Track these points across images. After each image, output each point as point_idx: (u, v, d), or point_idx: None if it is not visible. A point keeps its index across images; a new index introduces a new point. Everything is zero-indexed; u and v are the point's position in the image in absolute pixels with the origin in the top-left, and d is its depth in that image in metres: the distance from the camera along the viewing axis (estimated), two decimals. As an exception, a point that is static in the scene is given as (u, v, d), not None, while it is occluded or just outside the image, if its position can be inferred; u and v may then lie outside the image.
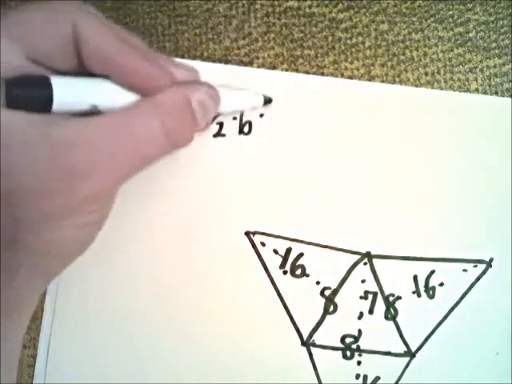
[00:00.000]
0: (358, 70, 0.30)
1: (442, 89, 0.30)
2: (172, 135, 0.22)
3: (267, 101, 0.28)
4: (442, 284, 0.29)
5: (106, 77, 0.21)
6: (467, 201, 0.29)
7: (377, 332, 0.29)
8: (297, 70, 0.30)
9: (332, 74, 0.30)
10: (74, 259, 0.23)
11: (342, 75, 0.30)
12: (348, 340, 0.29)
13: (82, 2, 0.21)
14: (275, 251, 0.29)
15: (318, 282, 0.29)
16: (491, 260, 0.29)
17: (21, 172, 0.19)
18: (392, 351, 0.29)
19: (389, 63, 0.30)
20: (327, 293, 0.29)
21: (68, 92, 0.20)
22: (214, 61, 0.30)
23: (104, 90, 0.21)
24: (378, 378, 0.29)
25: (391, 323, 0.29)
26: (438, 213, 0.29)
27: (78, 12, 0.20)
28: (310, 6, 0.30)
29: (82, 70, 0.21)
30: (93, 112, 0.21)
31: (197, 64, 0.29)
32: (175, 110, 0.22)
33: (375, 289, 0.29)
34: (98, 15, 0.21)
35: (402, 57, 0.30)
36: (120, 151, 0.20)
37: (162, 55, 0.23)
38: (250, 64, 0.30)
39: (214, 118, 0.28)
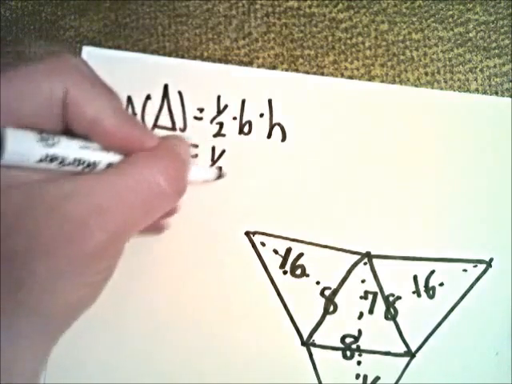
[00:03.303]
0: (358, 70, 0.30)
1: (442, 89, 0.30)
2: (172, 181, 0.21)
3: (219, 176, 0.28)
4: (441, 284, 0.29)
5: (85, 137, 0.21)
6: (467, 201, 0.29)
7: (377, 332, 0.29)
8: (297, 70, 0.30)
9: (332, 74, 0.30)
10: (80, 316, 0.21)
11: (342, 75, 0.30)
12: (348, 340, 0.29)
13: (77, 60, 0.21)
14: (275, 251, 0.29)
15: (318, 282, 0.29)
16: (491, 260, 0.29)
17: (21, 233, 0.18)
18: (392, 351, 0.29)
19: (389, 63, 0.30)
20: (327, 293, 0.29)
21: (22, 142, 0.19)
22: (214, 61, 0.30)
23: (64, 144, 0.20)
24: (377, 378, 0.29)
25: (391, 323, 0.29)
26: (438, 213, 0.29)
27: (71, 72, 0.20)
28: (309, 6, 0.30)
29: (65, 131, 0.21)
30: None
31: (197, 64, 0.29)
32: (171, 157, 0.21)
33: (375, 289, 0.29)
34: (88, 74, 0.21)
35: (402, 57, 0.30)
36: (120, 203, 0.19)
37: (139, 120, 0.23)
38: (250, 64, 0.30)
39: None
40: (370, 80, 0.30)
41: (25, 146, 0.19)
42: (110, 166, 0.21)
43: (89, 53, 0.29)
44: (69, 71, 0.20)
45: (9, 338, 0.19)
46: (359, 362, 0.29)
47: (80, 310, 0.21)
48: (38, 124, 0.20)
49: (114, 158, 0.21)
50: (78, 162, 0.20)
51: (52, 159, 0.19)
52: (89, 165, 0.20)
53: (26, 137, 0.19)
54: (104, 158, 0.21)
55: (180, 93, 0.29)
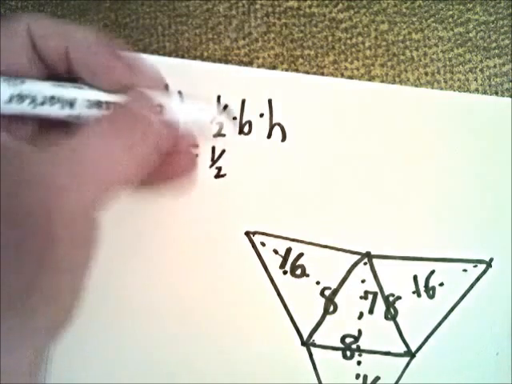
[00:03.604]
0: (357, 70, 0.30)
1: (442, 89, 0.30)
2: (133, 149, 0.20)
3: (224, 107, 0.27)
4: (441, 284, 0.29)
5: (74, 80, 0.21)
6: (467, 201, 0.29)
7: (377, 332, 0.29)
8: (297, 70, 0.30)
9: (332, 74, 0.30)
10: (80, 299, 0.20)
11: (342, 75, 0.30)
12: (348, 340, 0.29)
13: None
14: (275, 251, 0.29)
15: (318, 282, 0.29)
16: (491, 260, 0.29)
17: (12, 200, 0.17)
18: (392, 351, 0.29)
19: (389, 63, 0.30)
20: (327, 293, 0.29)
21: (20, 87, 0.19)
22: (214, 61, 0.30)
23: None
24: (377, 378, 0.29)
25: (391, 323, 0.29)
26: (437, 213, 0.29)
27: (33, 16, 0.20)
28: (309, 6, 0.30)
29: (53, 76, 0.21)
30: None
31: (197, 64, 0.29)
32: (128, 126, 0.20)
33: (375, 289, 0.29)
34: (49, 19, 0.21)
35: (402, 57, 0.30)
36: (86, 170, 0.18)
37: (129, 54, 0.22)
38: (250, 64, 0.30)
39: None
40: (370, 80, 0.30)
41: (25, 89, 0.19)
42: (100, 105, 0.20)
43: (89, 53, 0.29)
44: (29, 15, 0.20)
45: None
46: (359, 362, 0.29)
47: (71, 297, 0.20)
48: (17, 72, 0.20)
49: (98, 95, 0.20)
50: (52, 99, 0.20)
51: (22, 97, 0.19)
52: (71, 104, 0.20)
53: (24, 80, 0.19)
54: (84, 94, 0.20)
55: (180, 93, 0.29)
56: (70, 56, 0.20)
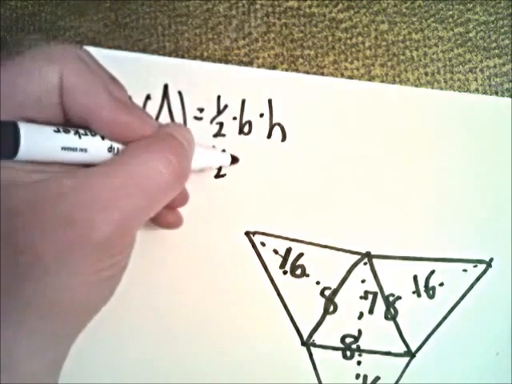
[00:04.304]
0: (357, 70, 0.30)
1: (442, 89, 0.30)
2: (172, 167, 0.21)
3: (234, 160, 0.28)
4: (441, 284, 0.29)
5: (86, 127, 0.21)
6: (467, 201, 0.29)
7: (377, 332, 0.29)
8: (297, 70, 0.30)
9: (332, 74, 0.30)
10: (93, 315, 0.21)
11: (342, 75, 0.30)
12: (348, 340, 0.29)
13: (77, 47, 0.21)
14: (275, 251, 0.29)
15: (318, 282, 0.29)
16: (491, 260, 0.29)
17: (26, 230, 0.18)
18: (392, 351, 0.29)
19: (389, 63, 0.30)
20: (327, 293, 0.29)
21: (37, 137, 0.19)
22: (214, 61, 0.30)
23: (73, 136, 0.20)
24: (377, 378, 0.29)
25: (391, 323, 0.29)
26: (437, 213, 0.29)
27: (69, 60, 0.20)
28: (309, 6, 0.30)
29: (64, 122, 0.21)
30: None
31: (197, 64, 0.29)
32: (169, 143, 0.21)
33: (375, 289, 0.29)
34: (86, 61, 0.21)
35: (402, 57, 0.30)
36: (122, 195, 0.19)
37: (139, 107, 0.23)
38: (250, 64, 0.30)
39: None
40: (370, 80, 0.30)
41: (41, 141, 0.19)
42: (111, 149, 0.21)
43: (89, 53, 0.29)
44: (65, 58, 0.20)
45: (13, 336, 0.18)
46: (359, 362, 0.29)
47: (92, 309, 0.21)
48: (39, 114, 0.20)
49: (114, 145, 0.21)
50: (68, 149, 0.20)
51: (64, 148, 0.19)
52: (84, 150, 0.20)
53: (41, 130, 0.19)
54: (103, 145, 0.20)
55: (180, 93, 0.29)
56: (91, 113, 0.20)
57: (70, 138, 0.20)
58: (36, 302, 0.18)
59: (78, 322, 0.20)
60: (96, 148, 0.20)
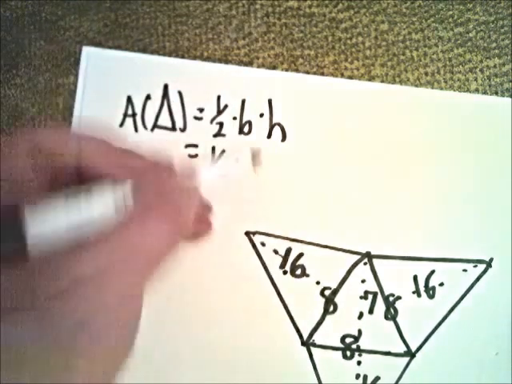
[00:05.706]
0: (358, 70, 0.30)
1: (442, 89, 0.30)
2: (175, 225, 0.21)
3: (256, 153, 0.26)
4: (441, 284, 0.29)
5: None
6: (467, 201, 0.29)
7: (377, 332, 0.29)
8: (297, 70, 0.30)
9: (332, 74, 0.30)
10: (125, 360, 0.21)
11: (342, 75, 0.30)
12: (348, 340, 0.29)
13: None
14: (275, 251, 0.29)
15: (318, 282, 0.29)
16: (491, 260, 0.29)
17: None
18: (392, 351, 0.29)
19: (389, 63, 0.30)
20: (327, 293, 0.29)
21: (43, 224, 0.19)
22: (214, 61, 0.30)
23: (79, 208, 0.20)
24: (377, 378, 0.29)
25: (391, 323, 0.29)
26: (438, 213, 0.29)
27: (87, 140, 0.21)
28: (309, 6, 0.30)
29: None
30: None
31: (197, 64, 0.29)
32: (167, 204, 0.21)
33: (375, 289, 0.29)
34: (101, 139, 0.21)
35: (402, 57, 0.30)
36: (129, 261, 0.19)
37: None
38: (250, 64, 0.30)
39: None
40: (370, 80, 0.30)
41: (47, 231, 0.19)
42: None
43: (89, 53, 0.29)
44: (85, 138, 0.21)
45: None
46: (359, 362, 0.29)
47: (121, 356, 0.21)
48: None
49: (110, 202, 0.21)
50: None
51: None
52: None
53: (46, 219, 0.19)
54: (97, 205, 0.20)
55: (180, 93, 0.29)
56: (80, 166, 0.21)
57: (74, 216, 0.20)
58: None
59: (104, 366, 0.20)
60: (101, 215, 0.20)
